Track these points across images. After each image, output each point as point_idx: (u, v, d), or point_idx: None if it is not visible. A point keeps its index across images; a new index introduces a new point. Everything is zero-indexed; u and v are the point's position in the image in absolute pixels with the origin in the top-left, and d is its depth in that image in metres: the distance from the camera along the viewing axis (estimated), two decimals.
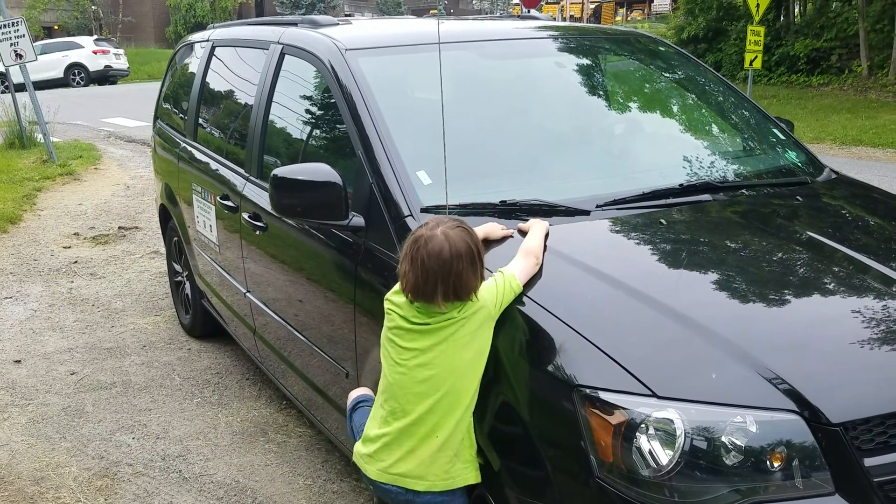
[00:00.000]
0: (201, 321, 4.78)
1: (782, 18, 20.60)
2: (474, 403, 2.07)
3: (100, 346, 4.87)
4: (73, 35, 40.97)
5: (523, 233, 2.34)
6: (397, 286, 2.12)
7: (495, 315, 2.08)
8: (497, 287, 2.10)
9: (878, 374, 1.90)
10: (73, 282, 6.08)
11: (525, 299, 2.12)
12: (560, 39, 3.60)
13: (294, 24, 3.58)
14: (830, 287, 2.23)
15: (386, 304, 2.15)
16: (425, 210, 2.50)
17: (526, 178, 2.81)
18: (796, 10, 20.85)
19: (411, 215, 2.51)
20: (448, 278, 2.00)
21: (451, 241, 2.03)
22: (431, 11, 49.85)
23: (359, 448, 2.20)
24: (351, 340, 2.73)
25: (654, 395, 1.81)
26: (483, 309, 2.06)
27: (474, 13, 60.48)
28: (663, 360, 1.91)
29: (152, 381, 4.37)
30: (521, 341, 2.08)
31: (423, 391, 2.04)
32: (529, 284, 2.16)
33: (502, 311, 2.09)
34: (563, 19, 40.85)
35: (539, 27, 3.75)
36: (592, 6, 41.50)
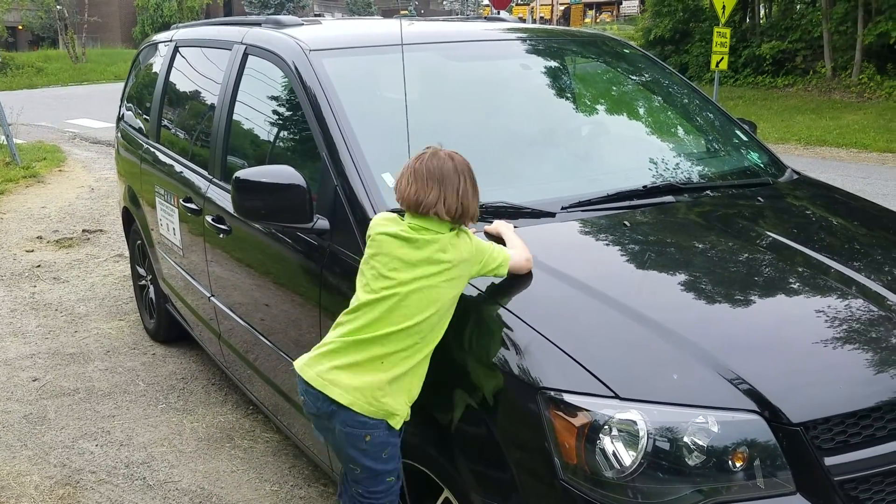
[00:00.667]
0: (166, 326, 4.72)
1: (748, 20, 20.88)
2: (429, 357, 2.07)
3: (63, 351, 4.78)
4: (38, 35, 40.31)
5: (489, 235, 2.34)
6: (383, 217, 2.16)
7: (473, 275, 2.11)
8: (490, 252, 2.12)
9: (837, 374, 1.92)
10: (35, 286, 5.97)
11: (491, 302, 2.11)
12: (526, 41, 3.60)
13: (258, 24, 3.54)
14: (791, 288, 2.25)
15: (371, 231, 2.15)
16: (391, 212, 2.48)
17: (491, 179, 2.79)
18: (762, 12, 21.14)
19: None
20: (451, 189, 2.05)
21: (456, 159, 2.11)
22: (402, 12, 49.79)
23: (302, 356, 2.19)
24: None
25: (616, 396, 1.81)
26: (467, 263, 2.08)
27: (444, 14, 60.46)
28: (626, 362, 1.91)
29: (116, 387, 4.30)
30: (487, 344, 2.07)
31: (390, 318, 2.04)
32: (495, 287, 2.16)
33: (474, 276, 2.12)
34: (534, 21, 41.01)
35: (506, 29, 3.75)
36: (562, 8, 41.74)
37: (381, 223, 2.14)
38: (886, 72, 16.56)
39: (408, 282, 2.04)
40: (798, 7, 20.82)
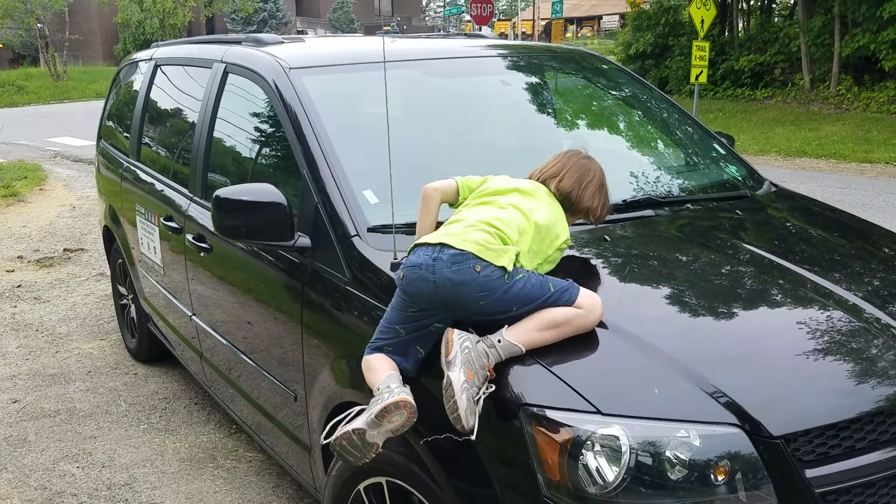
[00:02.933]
0: (147, 345, 4.68)
1: (726, 34, 21.13)
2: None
3: (43, 372, 4.73)
4: (19, 53, 40.11)
5: None
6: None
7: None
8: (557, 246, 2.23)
9: (817, 386, 1.93)
10: (16, 306, 5.91)
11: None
12: (506, 58, 3.62)
13: (238, 42, 3.54)
14: (770, 301, 2.26)
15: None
16: (372, 229, 2.49)
17: None
18: (740, 25, 21.40)
19: (357, 235, 2.49)
20: (580, 179, 2.31)
21: (593, 162, 2.39)
22: (385, 28, 49.96)
23: None
24: (299, 362, 2.69)
25: (598, 412, 1.81)
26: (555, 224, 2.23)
27: (427, 30, 60.79)
28: (607, 377, 1.92)
29: (97, 408, 4.25)
30: None
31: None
32: None
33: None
34: (515, 36, 41.25)
35: (486, 46, 3.77)
36: (543, 23, 42.04)
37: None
38: (864, 83, 16.79)
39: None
40: (776, 20, 21.12)
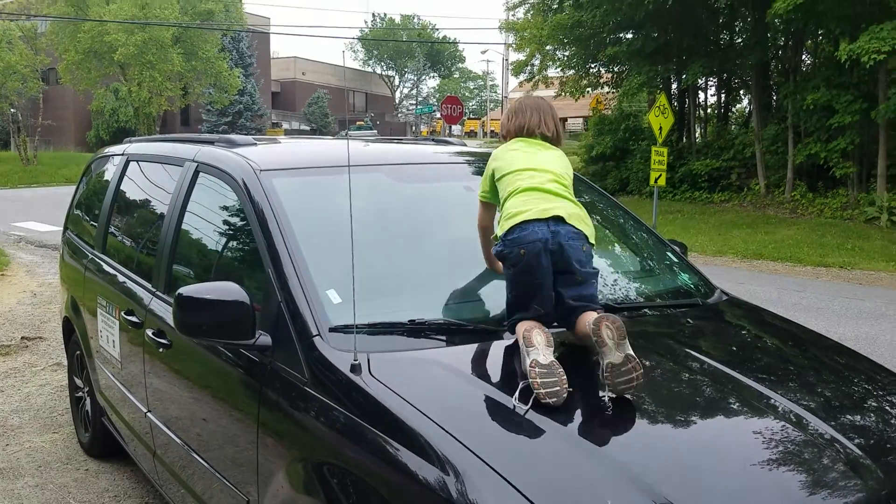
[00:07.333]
0: (101, 440, 4.56)
1: (684, 139, 21.95)
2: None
3: None
4: None
5: None
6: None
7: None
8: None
9: (766, 499, 1.96)
10: None
11: (429, 423, 2.12)
12: (471, 164, 3.75)
13: (211, 142, 3.63)
14: (721, 411, 2.32)
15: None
16: (334, 329, 2.51)
17: (435, 298, 2.86)
18: (697, 132, 22.28)
19: (319, 335, 2.51)
20: (548, 115, 2.79)
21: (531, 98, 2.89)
22: (358, 123, 51.01)
23: None
24: (254, 463, 2.66)
25: None
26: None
27: (399, 125, 62.23)
28: (562, 487, 1.92)
29: None
30: (425, 467, 2.07)
31: None
32: (435, 408, 2.17)
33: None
34: (485, 133, 42.39)
35: (452, 153, 3.91)
36: None
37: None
38: (817, 189, 17.46)
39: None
40: (732, 128, 22.04)
